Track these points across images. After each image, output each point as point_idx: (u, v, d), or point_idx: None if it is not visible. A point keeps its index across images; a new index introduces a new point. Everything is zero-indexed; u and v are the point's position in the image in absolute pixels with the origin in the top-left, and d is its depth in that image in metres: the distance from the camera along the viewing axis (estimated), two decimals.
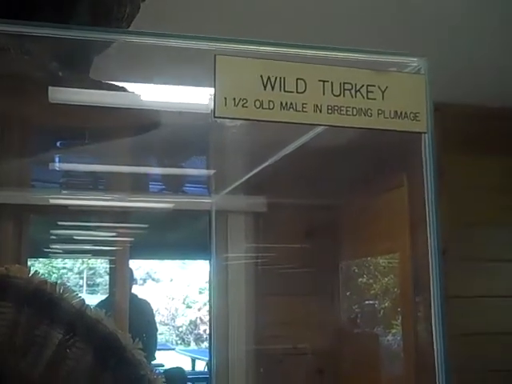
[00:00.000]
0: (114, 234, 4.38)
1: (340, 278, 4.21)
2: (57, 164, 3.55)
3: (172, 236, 5.77)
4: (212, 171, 3.94)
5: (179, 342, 12.86)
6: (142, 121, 2.08)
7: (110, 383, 1.40)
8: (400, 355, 3.74)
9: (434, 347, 1.30)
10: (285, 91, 1.22)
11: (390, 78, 1.27)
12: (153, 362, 6.17)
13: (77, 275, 11.16)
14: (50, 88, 1.88)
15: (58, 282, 1.42)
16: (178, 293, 13.00)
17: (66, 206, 3.66)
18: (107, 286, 7.58)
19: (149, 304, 6.61)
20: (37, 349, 1.37)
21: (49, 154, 3.16)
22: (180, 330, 13.05)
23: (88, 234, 4.75)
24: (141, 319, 5.52)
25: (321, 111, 1.22)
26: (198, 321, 12.65)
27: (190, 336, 13.02)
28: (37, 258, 6.76)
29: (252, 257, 4.00)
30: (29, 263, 4.30)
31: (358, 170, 3.49)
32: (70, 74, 1.50)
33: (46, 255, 6.11)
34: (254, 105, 1.19)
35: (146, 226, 4.68)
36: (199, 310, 12.68)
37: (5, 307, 1.37)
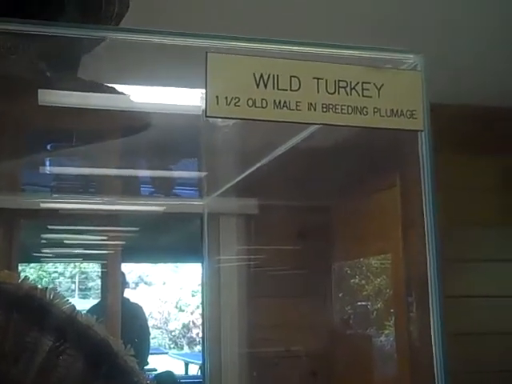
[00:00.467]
0: (105, 237, 4.36)
1: (332, 280, 4.20)
2: (47, 167, 3.52)
3: (164, 239, 5.76)
4: (203, 173, 3.92)
5: (172, 345, 12.83)
6: (132, 122, 2.06)
7: None
8: (393, 356, 3.73)
9: (433, 348, 1.29)
10: (278, 89, 1.19)
11: (385, 75, 1.25)
12: (146, 367, 6.16)
13: (69, 279, 11.13)
14: (39, 91, 1.86)
15: (49, 287, 1.40)
16: (170, 296, 12.98)
17: (56, 210, 3.64)
18: (99, 290, 7.56)
19: (141, 308, 6.59)
20: (27, 356, 1.35)
21: (39, 157, 3.13)
22: (173, 333, 13.02)
23: (79, 237, 4.73)
24: (133, 323, 5.51)
25: (315, 110, 1.20)
26: (191, 324, 12.62)
27: (182, 340, 12.99)
28: (28, 262, 6.73)
29: (244, 259, 3.99)
30: (20, 268, 4.28)
31: (350, 170, 3.48)
32: (58, 73, 1.47)
33: (37, 260, 6.08)
34: (247, 103, 1.17)
35: (137, 229, 4.66)
36: (192, 313, 12.65)
37: None
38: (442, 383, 1.28)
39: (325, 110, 1.20)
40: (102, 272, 6.01)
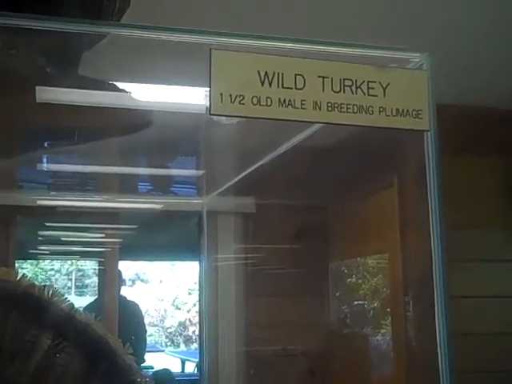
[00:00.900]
0: (102, 235, 4.35)
1: (330, 279, 4.20)
2: (44, 165, 3.51)
3: (161, 237, 5.74)
4: (201, 172, 3.92)
5: (168, 343, 12.83)
6: (132, 120, 2.05)
7: None
8: (390, 355, 3.73)
9: (438, 348, 1.28)
10: (283, 87, 1.18)
11: (391, 74, 1.24)
12: (142, 365, 6.14)
13: (65, 277, 11.12)
14: (37, 87, 1.85)
15: (47, 284, 1.39)
16: (167, 294, 12.97)
17: (53, 207, 3.62)
18: (96, 288, 7.55)
19: (138, 306, 6.59)
20: (25, 354, 1.34)
21: (36, 154, 3.12)
22: (169, 331, 13.02)
23: (76, 235, 4.72)
24: (130, 321, 5.50)
25: (320, 108, 1.19)
26: (188, 322, 12.62)
27: (179, 337, 12.99)
28: (24, 259, 6.71)
29: (242, 258, 3.98)
30: (16, 265, 4.26)
31: (349, 170, 3.48)
32: (58, 69, 1.46)
33: (33, 257, 6.07)
34: (252, 101, 1.15)
35: (134, 227, 4.65)
36: (188, 311, 12.65)
37: None
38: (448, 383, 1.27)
39: (330, 108, 1.19)
40: (98, 269, 5.99)
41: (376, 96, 1.22)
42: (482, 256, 3.65)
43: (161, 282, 13.30)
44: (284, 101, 1.18)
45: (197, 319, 10.56)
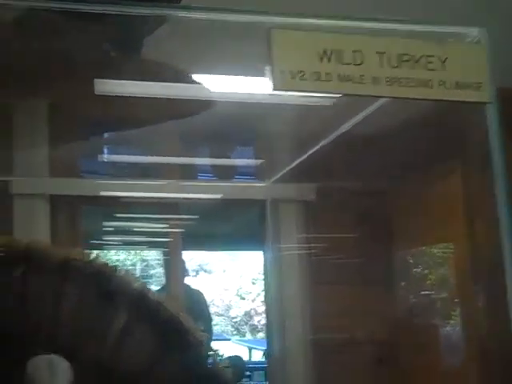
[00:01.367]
0: (165, 225, 4.39)
1: (395, 268, 4.16)
2: (108, 154, 3.57)
3: (224, 227, 5.77)
4: (262, 160, 3.93)
5: (235, 332, 12.89)
6: (190, 106, 2.07)
7: (173, 366, 1.40)
8: (459, 345, 3.68)
9: None
10: (342, 63, 1.19)
11: (449, 49, 1.23)
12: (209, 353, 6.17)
13: (130, 267, 11.24)
14: (100, 80, 1.88)
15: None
16: (230, 284, 13.01)
17: (117, 198, 3.67)
18: (161, 278, 7.62)
19: (202, 294, 6.63)
20: (100, 332, 1.37)
21: (99, 143, 3.17)
22: (235, 320, 13.07)
23: (140, 225, 4.77)
24: (195, 309, 5.54)
25: (379, 83, 1.19)
26: (253, 312, 12.65)
27: (245, 327, 13.04)
28: (89, 250, 6.80)
29: (305, 246, 3.98)
30: None
31: (412, 155, 3.44)
32: (122, 53, 1.49)
33: (97, 247, 6.16)
34: (312, 77, 1.17)
35: (197, 216, 4.68)
36: (253, 300, 12.68)
37: (68, 290, 1.37)
38: None
39: (389, 83, 1.19)
40: (163, 259, 6.05)
41: (435, 70, 1.22)
42: None
43: (224, 272, 13.35)
44: (343, 76, 1.19)
45: (261, 309, 10.59)
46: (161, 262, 7.22)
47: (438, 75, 1.22)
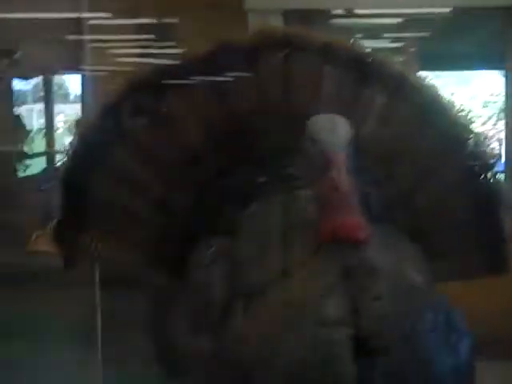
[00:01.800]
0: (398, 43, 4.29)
1: None
2: None
3: (458, 43, 5.56)
4: None
5: None
6: None
7: (433, 144, 1.42)
8: None
9: None
10: None
11: None
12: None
13: None
14: None
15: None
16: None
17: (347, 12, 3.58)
18: None
19: None
20: (361, 111, 1.41)
21: None
22: None
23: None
24: None
25: None
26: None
27: None
28: None
29: None
30: None
31: None
32: None
33: None
34: None
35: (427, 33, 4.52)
36: (483, 124, 12.35)
37: (330, 72, 1.41)
38: None
39: None
40: None
41: None
42: None
43: (452, 95, 13.02)
44: None
45: (492, 132, 10.30)
46: None
47: None
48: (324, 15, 3.58)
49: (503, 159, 3.32)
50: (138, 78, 1.41)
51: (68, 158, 1.42)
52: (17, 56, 2.92)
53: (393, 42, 4.49)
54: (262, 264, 1.21)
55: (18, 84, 3.69)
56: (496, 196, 1.41)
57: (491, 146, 1.45)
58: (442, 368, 1.10)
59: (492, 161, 1.41)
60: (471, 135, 1.41)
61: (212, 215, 1.43)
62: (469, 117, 1.45)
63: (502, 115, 4.39)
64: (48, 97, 3.84)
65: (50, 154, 3.81)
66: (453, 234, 1.46)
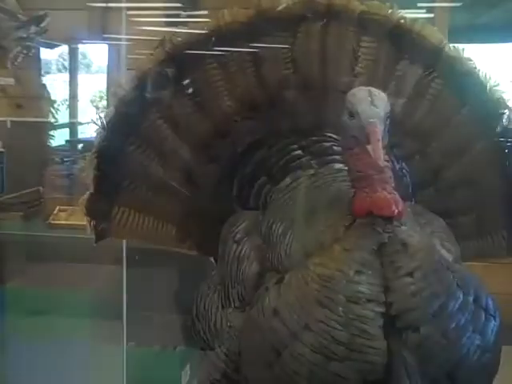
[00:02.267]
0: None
1: None
2: None
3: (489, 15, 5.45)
4: None
5: None
6: None
7: (467, 119, 1.39)
8: None
9: None
10: None
11: None
12: None
13: None
14: None
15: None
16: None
17: None
18: None
19: None
20: (397, 84, 1.39)
21: None
22: None
23: None
24: None
25: None
26: None
27: None
28: None
29: None
30: None
31: None
32: None
33: None
34: None
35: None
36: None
37: (367, 43, 1.39)
38: None
39: None
40: None
41: None
42: None
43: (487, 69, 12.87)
44: None
45: None
46: None
47: None
48: None
49: None
50: (173, 48, 1.38)
51: (103, 129, 1.39)
52: (44, 23, 2.89)
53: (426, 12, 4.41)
54: (295, 238, 1.19)
55: (43, 53, 3.66)
56: None
57: None
58: (469, 347, 1.08)
59: None
60: (505, 111, 1.38)
61: (244, 188, 1.42)
62: (503, 92, 1.40)
63: None
64: (73, 66, 3.82)
65: (73, 124, 3.80)
66: (479, 213, 1.44)
